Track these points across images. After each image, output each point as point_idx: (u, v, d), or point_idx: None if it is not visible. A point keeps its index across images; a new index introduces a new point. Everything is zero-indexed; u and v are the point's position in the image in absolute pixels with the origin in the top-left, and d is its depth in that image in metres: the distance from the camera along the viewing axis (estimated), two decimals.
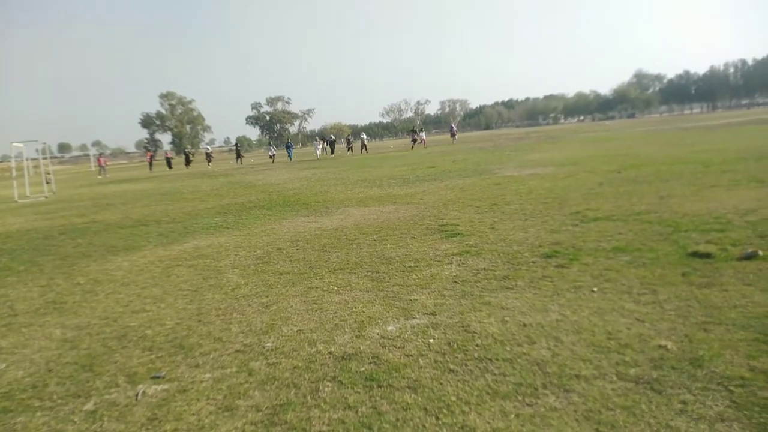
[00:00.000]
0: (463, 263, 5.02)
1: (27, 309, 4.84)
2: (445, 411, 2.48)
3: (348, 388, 2.79)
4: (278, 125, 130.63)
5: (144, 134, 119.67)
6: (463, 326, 3.48)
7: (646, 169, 11.10)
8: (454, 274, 4.70)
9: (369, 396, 2.68)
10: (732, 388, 2.46)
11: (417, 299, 4.10)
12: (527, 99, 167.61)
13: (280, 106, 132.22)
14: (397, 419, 2.44)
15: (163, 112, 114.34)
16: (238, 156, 41.91)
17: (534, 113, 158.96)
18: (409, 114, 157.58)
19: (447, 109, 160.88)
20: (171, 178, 28.10)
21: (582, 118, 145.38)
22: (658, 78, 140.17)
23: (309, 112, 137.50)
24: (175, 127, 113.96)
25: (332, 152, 36.95)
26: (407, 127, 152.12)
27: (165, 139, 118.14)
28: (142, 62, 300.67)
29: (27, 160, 23.72)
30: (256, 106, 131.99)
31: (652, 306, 3.55)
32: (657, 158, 13.49)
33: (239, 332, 3.76)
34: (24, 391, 3.11)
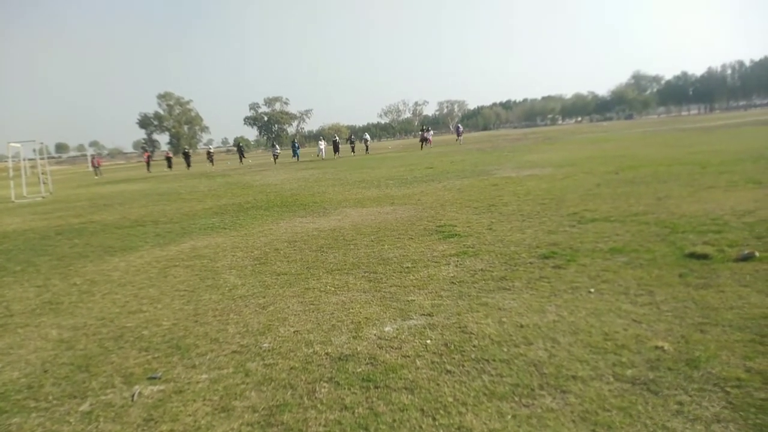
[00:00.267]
0: (460, 264, 5.02)
1: (23, 309, 4.82)
2: (441, 412, 2.48)
3: (345, 389, 2.78)
4: (276, 126, 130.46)
5: (141, 134, 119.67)
6: (460, 327, 3.47)
7: (643, 170, 11.12)
8: (452, 275, 4.69)
9: (366, 397, 2.68)
10: (728, 389, 2.46)
11: (414, 300, 4.09)
12: (525, 100, 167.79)
13: (278, 106, 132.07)
14: (394, 420, 2.44)
15: (161, 112, 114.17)
16: (241, 156, 41.57)
17: (532, 114, 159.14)
18: (407, 115, 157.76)
19: (445, 110, 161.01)
20: (168, 178, 28.05)
21: (580, 119, 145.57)
22: (656, 79, 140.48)
23: (307, 112, 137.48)
24: (173, 128, 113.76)
25: (336, 152, 36.44)
26: (406, 128, 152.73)
27: (162, 139, 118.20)
28: (140, 62, 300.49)
29: (24, 160, 23.63)
30: (254, 106, 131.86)
31: (649, 307, 3.55)
32: (654, 159, 13.51)
33: (236, 333, 3.75)
34: (19, 392, 3.10)
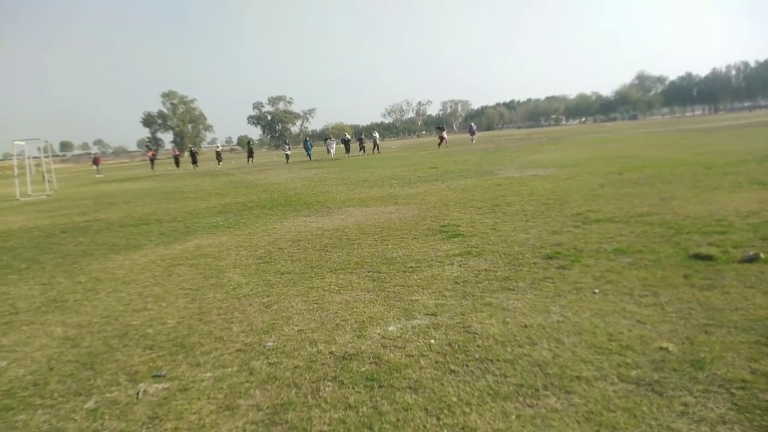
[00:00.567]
0: (464, 264, 5.01)
1: (28, 307, 4.85)
2: (446, 411, 2.48)
3: (349, 388, 2.79)
4: (280, 125, 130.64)
5: (146, 133, 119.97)
6: (464, 327, 3.47)
7: (647, 171, 11.09)
8: (456, 274, 4.69)
9: (370, 396, 2.68)
10: (733, 390, 2.46)
11: (418, 300, 4.10)
12: (529, 100, 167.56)
13: (281, 105, 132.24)
14: (398, 419, 2.44)
15: (165, 111, 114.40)
16: (250, 155, 41.11)
17: (536, 114, 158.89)
18: (411, 114, 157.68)
19: (448, 110, 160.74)
20: (173, 177, 28.13)
21: (584, 119, 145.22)
22: (660, 80, 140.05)
23: (310, 111, 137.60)
24: (177, 126, 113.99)
25: (347, 151, 35.85)
26: (410, 128, 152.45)
27: (167, 138, 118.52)
28: (144, 62, 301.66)
29: (29, 158, 23.77)
30: (257, 105, 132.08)
31: (654, 308, 3.54)
32: (659, 160, 13.47)
33: (240, 331, 3.76)
34: (25, 389, 3.12)
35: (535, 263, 4.83)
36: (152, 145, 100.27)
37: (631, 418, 2.31)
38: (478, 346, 3.16)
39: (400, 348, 3.24)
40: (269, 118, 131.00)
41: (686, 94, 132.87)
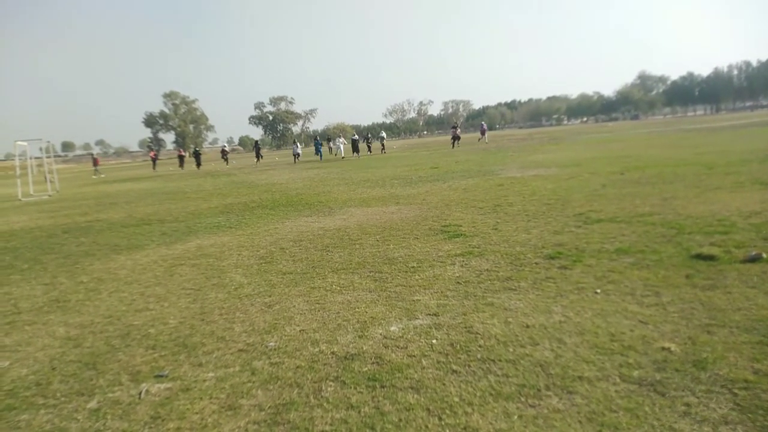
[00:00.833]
0: (465, 264, 5.01)
1: (30, 307, 4.86)
2: (447, 412, 2.48)
3: (351, 388, 2.79)
4: (281, 125, 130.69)
5: (147, 133, 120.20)
6: (465, 327, 3.47)
7: (649, 171, 11.07)
8: (457, 275, 4.69)
9: (372, 396, 2.68)
10: (736, 390, 2.45)
11: (420, 300, 4.10)
12: (530, 100, 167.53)
13: (283, 105, 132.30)
14: (400, 419, 2.44)
15: (167, 111, 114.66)
16: (258, 155, 40.82)
17: (537, 114, 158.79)
18: (412, 114, 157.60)
19: (450, 110, 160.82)
20: (174, 177, 28.17)
21: (585, 119, 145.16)
22: (662, 80, 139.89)
23: (312, 112, 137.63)
24: (179, 127, 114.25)
25: (355, 151, 35.28)
26: (411, 128, 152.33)
27: (168, 138, 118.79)
28: (145, 62, 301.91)
29: (31, 158, 23.80)
30: (259, 105, 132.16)
31: (656, 308, 3.54)
32: (660, 160, 13.45)
33: (242, 331, 3.76)
34: (28, 389, 3.12)
35: (536, 263, 4.83)
36: (154, 145, 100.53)
37: (634, 418, 2.31)
38: (479, 347, 3.16)
39: (402, 348, 3.24)
40: (271, 118, 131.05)
41: (688, 93, 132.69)
